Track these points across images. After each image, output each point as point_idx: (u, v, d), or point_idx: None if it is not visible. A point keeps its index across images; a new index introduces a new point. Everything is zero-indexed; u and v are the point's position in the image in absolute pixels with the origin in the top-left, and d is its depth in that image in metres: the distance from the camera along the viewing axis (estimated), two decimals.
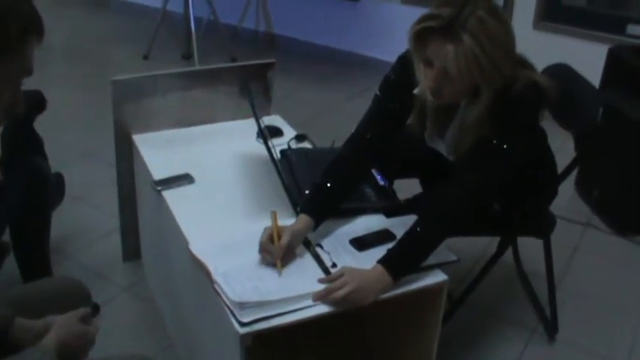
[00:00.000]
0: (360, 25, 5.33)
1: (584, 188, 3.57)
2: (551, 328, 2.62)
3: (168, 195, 2.20)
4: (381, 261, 1.83)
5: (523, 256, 2.90)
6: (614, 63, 3.49)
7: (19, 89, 1.43)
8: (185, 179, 2.27)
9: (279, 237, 1.87)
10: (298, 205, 2.09)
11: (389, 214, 2.13)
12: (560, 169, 2.36)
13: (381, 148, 2.13)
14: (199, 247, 1.90)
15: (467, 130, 1.94)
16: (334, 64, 5.43)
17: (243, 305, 1.68)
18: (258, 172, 2.34)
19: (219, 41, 5.43)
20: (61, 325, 1.56)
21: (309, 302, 1.74)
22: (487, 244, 2.81)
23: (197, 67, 4.49)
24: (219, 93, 2.67)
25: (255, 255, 1.86)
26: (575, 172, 3.03)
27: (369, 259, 1.86)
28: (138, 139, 2.55)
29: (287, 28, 5.77)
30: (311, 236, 1.98)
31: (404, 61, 2.03)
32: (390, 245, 1.90)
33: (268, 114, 2.78)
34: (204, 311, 1.97)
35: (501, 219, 2.32)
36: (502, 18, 1.81)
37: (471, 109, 1.91)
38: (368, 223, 2.08)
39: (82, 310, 1.63)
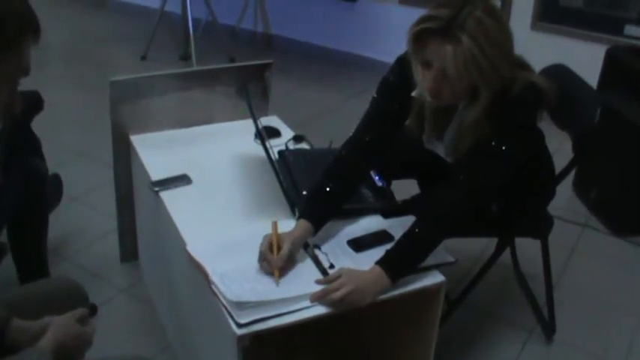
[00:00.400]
0: (357, 25, 5.33)
1: (581, 189, 3.58)
2: (548, 328, 2.63)
3: (166, 196, 2.20)
4: (379, 262, 1.83)
5: (521, 257, 2.90)
6: (612, 64, 3.49)
7: (15, 89, 1.42)
8: (183, 180, 2.27)
9: (279, 247, 1.86)
10: (296, 205, 2.09)
11: (387, 215, 2.13)
12: (557, 169, 2.37)
13: (379, 150, 2.12)
14: (197, 248, 1.90)
15: (465, 132, 1.94)
16: (332, 64, 5.43)
17: (240, 306, 1.67)
18: (255, 172, 2.34)
19: (217, 42, 5.43)
20: (58, 325, 1.56)
21: (307, 303, 1.73)
22: (485, 245, 2.81)
23: (195, 68, 4.48)
24: (217, 93, 2.67)
25: (252, 256, 1.86)
26: (572, 173, 3.02)
27: (367, 260, 1.86)
28: (135, 139, 2.55)
29: (285, 28, 5.77)
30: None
31: (402, 62, 2.03)
32: (387, 246, 1.90)
33: (266, 114, 2.78)
34: (202, 312, 1.96)
35: (499, 220, 2.32)
36: (500, 19, 1.81)
37: (470, 110, 1.90)
38: (366, 224, 2.08)
39: (80, 311, 1.63)
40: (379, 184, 2.25)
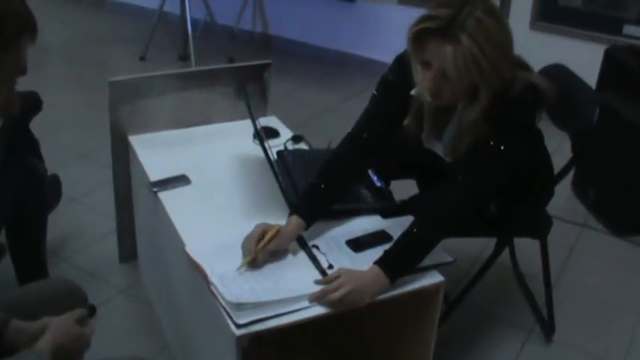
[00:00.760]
0: (356, 25, 5.34)
1: (580, 189, 3.58)
2: (547, 328, 2.63)
3: (165, 196, 2.20)
4: (377, 262, 1.83)
5: (520, 257, 2.90)
6: (611, 63, 3.49)
7: (13, 88, 1.43)
8: (181, 180, 2.27)
9: (268, 239, 1.87)
10: (290, 211, 2.08)
11: (385, 215, 2.13)
12: (556, 169, 2.37)
13: (377, 147, 2.13)
14: (195, 248, 1.90)
15: (464, 132, 1.94)
16: (331, 64, 5.43)
17: (239, 306, 1.67)
18: (254, 173, 2.34)
19: (215, 42, 5.43)
20: (56, 327, 1.56)
21: (306, 304, 1.73)
22: (484, 245, 2.81)
23: (194, 68, 4.49)
24: (216, 94, 2.66)
25: None
26: (571, 173, 3.02)
27: (366, 260, 1.86)
28: (134, 140, 2.55)
29: (283, 29, 5.77)
30: (307, 237, 1.98)
31: (401, 61, 2.03)
32: (386, 246, 1.90)
33: (265, 115, 2.78)
34: (201, 313, 1.96)
35: (498, 220, 2.32)
36: (500, 19, 1.81)
37: (469, 110, 1.90)
38: (364, 224, 2.08)
39: (78, 312, 1.63)
40: (378, 184, 2.25)
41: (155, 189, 2.23)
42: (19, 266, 2.53)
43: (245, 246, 1.87)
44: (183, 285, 2.15)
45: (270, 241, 1.87)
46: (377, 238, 2.00)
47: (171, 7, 5.41)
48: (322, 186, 2.04)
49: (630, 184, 3.22)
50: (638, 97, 3.23)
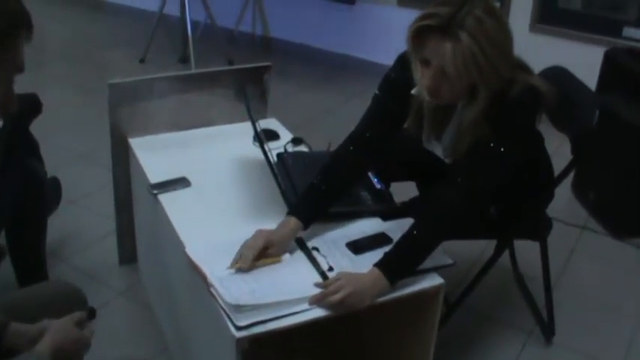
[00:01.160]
0: (356, 27, 5.34)
1: (580, 191, 3.58)
2: (547, 330, 2.62)
3: (165, 198, 2.20)
4: (377, 264, 1.83)
5: (520, 259, 2.89)
6: (611, 66, 3.50)
7: (11, 87, 1.43)
8: (181, 183, 2.27)
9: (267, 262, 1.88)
10: (288, 211, 2.08)
11: (385, 218, 2.13)
12: (556, 171, 2.37)
13: (379, 147, 2.13)
14: (195, 250, 1.90)
15: (464, 132, 1.94)
16: (330, 66, 5.43)
17: (239, 308, 1.67)
18: (254, 175, 2.34)
19: (215, 44, 5.43)
20: (56, 330, 1.55)
21: (306, 306, 1.73)
22: (484, 247, 2.81)
23: (194, 71, 4.49)
24: (216, 96, 2.66)
25: None
26: (571, 175, 3.02)
27: (366, 263, 1.86)
28: (134, 142, 2.55)
29: (283, 31, 5.77)
30: (307, 239, 1.98)
31: (403, 60, 2.03)
32: (386, 248, 1.90)
33: (265, 117, 2.78)
34: (201, 315, 1.96)
35: (498, 222, 2.32)
36: (500, 18, 1.81)
37: (469, 109, 1.90)
38: (364, 226, 2.08)
39: (78, 314, 1.63)
40: (378, 186, 2.25)
41: (155, 191, 2.23)
42: (19, 268, 2.53)
43: (242, 253, 1.86)
44: (183, 287, 2.15)
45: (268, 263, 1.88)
46: (377, 240, 2.00)
47: (171, 10, 5.42)
48: (323, 187, 2.04)
49: (630, 187, 3.22)
50: (637, 100, 3.24)
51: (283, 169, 2.29)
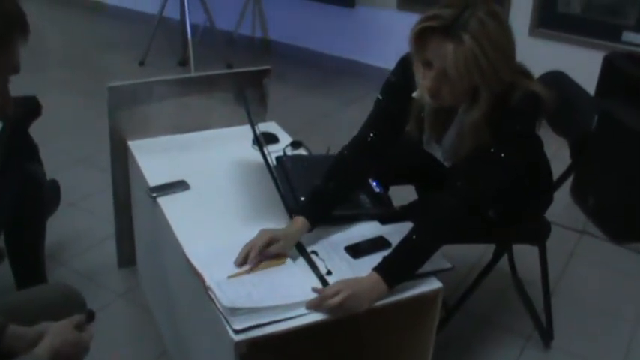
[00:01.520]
0: (355, 31, 5.34)
1: (579, 195, 3.58)
2: (546, 335, 2.62)
3: (164, 202, 2.20)
4: (376, 268, 1.83)
5: (518, 263, 2.90)
6: (610, 70, 3.50)
7: (7, 87, 1.43)
8: (180, 186, 2.27)
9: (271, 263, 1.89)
10: (294, 212, 2.09)
11: (384, 222, 2.13)
12: (555, 176, 2.37)
13: (382, 150, 2.14)
14: (194, 253, 1.90)
15: (465, 135, 1.94)
16: (330, 70, 5.43)
17: (234, 311, 1.67)
18: (253, 178, 2.34)
19: (215, 48, 5.44)
20: (55, 332, 1.55)
21: (304, 310, 1.73)
22: (482, 251, 2.81)
23: (193, 74, 4.48)
24: (215, 99, 2.67)
25: (250, 261, 1.86)
26: (570, 179, 3.02)
27: (365, 267, 1.86)
28: (133, 145, 2.55)
29: (283, 34, 5.78)
30: (306, 243, 1.98)
31: (405, 63, 2.04)
32: (385, 252, 1.90)
33: (264, 120, 2.78)
34: (199, 318, 1.96)
35: (497, 226, 2.32)
36: (503, 21, 1.81)
37: (470, 112, 1.90)
38: (363, 230, 2.08)
39: (77, 317, 1.63)
40: (377, 190, 2.25)
41: (154, 194, 2.23)
42: (18, 271, 2.52)
43: (247, 248, 1.88)
44: (182, 290, 2.15)
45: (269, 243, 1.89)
46: (376, 244, 2.00)
47: (171, 12, 5.43)
48: (327, 189, 2.05)
49: (629, 191, 3.22)
50: (636, 104, 3.24)
51: (282, 173, 2.30)
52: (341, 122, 4.39)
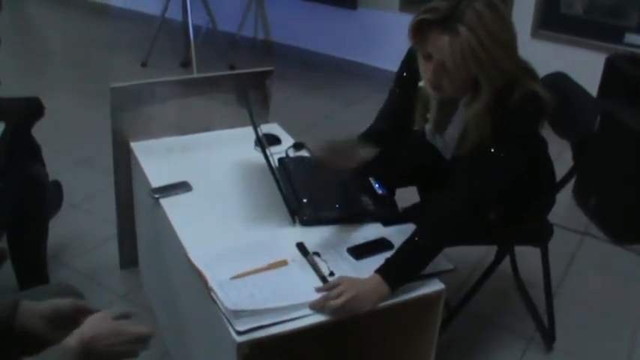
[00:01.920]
0: (358, 32, 5.34)
1: (581, 197, 3.58)
2: (548, 336, 2.62)
3: (166, 203, 2.20)
4: (378, 270, 1.83)
5: (520, 265, 2.90)
6: (612, 72, 3.50)
7: None
8: (183, 187, 2.27)
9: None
10: (296, 213, 2.09)
11: (387, 223, 2.13)
12: (557, 177, 2.37)
13: (394, 141, 2.20)
14: (197, 254, 1.90)
15: (467, 128, 1.96)
16: (332, 71, 5.43)
17: (238, 314, 1.67)
18: (256, 180, 2.34)
19: (217, 49, 5.44)
20: (88, 323, 1.49)
21: (306, 311, 1.73)
22: (484, 252, 2.81)
23: (195, 75, 4.50)
24: (218, 101, 2.67)
25: (253, 263, 1.87)
26: (572, 181, 3.02)
27: (367, 268, 1.86)
28: (136, 146, 2.55)
29: (285, 35, 5.78)
30: (308, 245, 1.98)
31: (411, 54, 2.06)
32: (387, 254, 1.90)
33: (266, 122, 2.79)
34: (202, 319, 1.96)
35: (498, 228, 2.32)
36: (501, 13, 1.81)
37: (471, 105, 1.91)
38: (366, 231, 2.08)
39: (118, 310, 1.58)
40: (379, 192, 2.25)
41: (157, 195, 2.23)
42: (20, 271, 2.53)
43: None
44: (184, 291, 2.15)
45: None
46: (378, 245, 2.00)
47: (173, 14, 5.43)
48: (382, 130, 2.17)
49: (631, 192, 3.22)
50: (638, 105, 3.24)
51: (285, 174, 2.30)
52: (343, 123, 4.39)
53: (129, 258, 2.90)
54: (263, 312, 1.69)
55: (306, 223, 2.09)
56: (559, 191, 2.38)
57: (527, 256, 2.66)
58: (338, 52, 5.50)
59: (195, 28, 5.19)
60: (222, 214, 2.16)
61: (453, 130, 2.09)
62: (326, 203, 2.18)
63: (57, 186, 2.84)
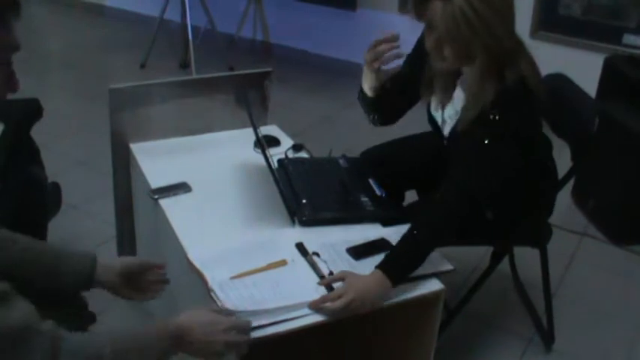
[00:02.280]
0: (357, 33, 5.34)
1: (580, 197, 3.58)
2: (547, 337, 2.62)
3: (166, 203, 2.20)
4: (379, 266, 1.83)
5: (519, 266, 2.90)
6: (611, 73, 3.50)
7: (11, 67, 1.43)
8: (182, 188, 2.27)
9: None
10: (295, 213, 2.09)
11: (386, 224, 2.13)
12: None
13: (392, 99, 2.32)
14: (196, 255, 1.90)
15: (468, 99, 2.01)
16: (331, 73, 5.43)
17: (237, 314, 1.67)
18: (255, 181, 2.34)
19: (216, 50, 5.44)
20: (187, 312, 1.57)
21: (305, 311, 1.74)
22: (484, 253, 2.80)
23: (194, 76, 4.50)
24: (217, 102, 2.67)
25: (252, 263, 1.87)
26: (571, 182, 3.03)
27: (366, 268, 1.86)
28: (135, 147, 2.55)
29: (284, 37, 5.78)
30: (308, 245, 1.98)
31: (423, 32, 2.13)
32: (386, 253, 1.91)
33: (265, 123, 2.79)
34: None
35: (497, 228, 2.32)
36: None
37: (469, 74, 1.99)
38: (365, 232, 2.09)
39: (215, 308, 1.65)
40: (378, 192, 2.26)
41: (156, 196, 2.23)
42: None
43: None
44: (183, 292, 2.15)
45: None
46: (377, 246, 2.01)
47: (172, 15, 5.43)
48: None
49: (630, 193, 3.22)
50: (637, 107, 3.24)
51: (284, 175, 2.30)
52: (342, 125, 4.40)
53: None
54: (262, 312, 1.69)
55: (305, 223, 2.09)
56: (558, 192, 2.38)
57: (527, 256, 2.67)
58: (337, 54, 5.50)
59: (193, 29, 5.19)
60: (222, 214, 2.16)
61: (453, 107, 2.14)
62: (325, 204, 2.19)
63: (55, 188, 2.84)
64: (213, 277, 1.80)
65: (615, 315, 2.84)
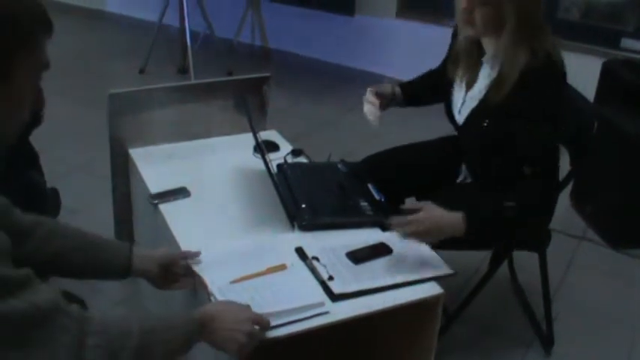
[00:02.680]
0: (355, 38, 5.35)
1: (578, 202, 3.58)
2: (546, 341, 2.62)
3: (165, 208, 2.20)
4: (465, 212, 1.98)
5: (518, 270, 2.90)
6: (609, 77, 3.51)
7: (39, 85, 1.46)
8: (181, 193, 2.28)
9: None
10: (295, 218, 2.09)
11: (385, 228, 2.13)
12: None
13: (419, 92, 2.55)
14: (196, 260, 1.90)
15: (503, 67, 2.10)
16: (330, 78, 5.44)
17: None
18: (254, 185, 2.35)
19: (215, 55, 5.45)
20: (215, 303, 1.68)
21: (305, 315, 1.73)
22: (483, 257, 2.81)
23: (193, 81, 4.49)
24: (215, 107, 2.67)
25: (251, 267, 1.87)
26: (569, 186, 3.03)
27: (366, 272, 1.87)
28: (134, 152, 2.55)
29: (282, 42, 5.79)
30: (307, 249, 1.98)
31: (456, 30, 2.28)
32: (386, 258, 1.93)
33: (264, 128, 2.79)
34: None
35: (498, 229, 2.31)
36: None
37: (500, 43, 2.08)
38: (364, 236, 2.09)
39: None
40: (377, 197, 2.26)
41: (155, 201, 2.23)
42: None
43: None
44: (182, 297, 2.15)
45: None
46: (377, 250, 2.01)
47: (171, 20, 5.43)
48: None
49: (628, 197, 3.23)
50: (635, 111, 3.25)
51: (283, 180, 2.30)
52: (341, 130, 4.40)
53: None
54: (262, 316, 1.69)
55: (305, 227, 2.09)
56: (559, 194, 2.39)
57: (526, 260, 2.67)
58: (335, 59, 5.51)
59: (192, 34, 5.20)
60: (221, 219, 2.16)
61: (478, 85, 2.22)
62: (324, 208, 2.19)
63: (54, 193, 2.84)
64: (213, 282, 1.80)
65: (614, 318, 2.84)
